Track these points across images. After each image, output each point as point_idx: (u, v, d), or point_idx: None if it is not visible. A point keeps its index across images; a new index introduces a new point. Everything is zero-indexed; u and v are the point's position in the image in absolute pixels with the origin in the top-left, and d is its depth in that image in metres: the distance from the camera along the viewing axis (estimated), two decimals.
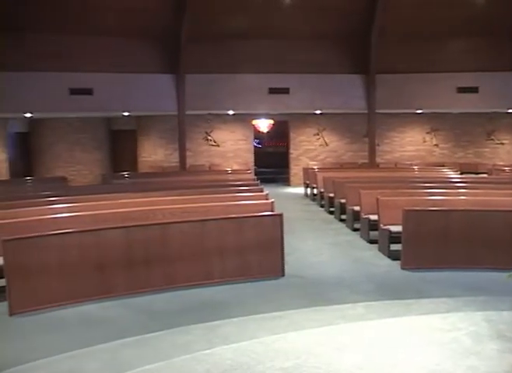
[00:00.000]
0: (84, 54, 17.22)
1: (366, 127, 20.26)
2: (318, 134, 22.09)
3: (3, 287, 7.08)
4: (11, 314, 6.86)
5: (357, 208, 11.37)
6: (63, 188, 15.04)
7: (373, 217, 10.28)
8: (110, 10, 16.89)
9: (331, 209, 14.14)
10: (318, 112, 20.51)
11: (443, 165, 20.63)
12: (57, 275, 7.12)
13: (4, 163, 20.13)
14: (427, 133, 22.31)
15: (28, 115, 18.44)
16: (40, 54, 16.77)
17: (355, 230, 11.72)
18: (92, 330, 6.30)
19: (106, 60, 17.47)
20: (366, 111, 19.62)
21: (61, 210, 9.56)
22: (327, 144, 22.15)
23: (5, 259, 6.90)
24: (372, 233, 10.53)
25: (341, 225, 12.63)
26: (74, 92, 17.34)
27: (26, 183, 17.37)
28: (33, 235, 7.23)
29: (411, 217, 8.60)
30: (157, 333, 6.02)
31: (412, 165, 20.92)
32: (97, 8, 16.80)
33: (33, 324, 6.60)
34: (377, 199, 9.88)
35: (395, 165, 21.52)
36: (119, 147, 22.38)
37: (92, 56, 17.33)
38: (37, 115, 18.81)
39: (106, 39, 17.38)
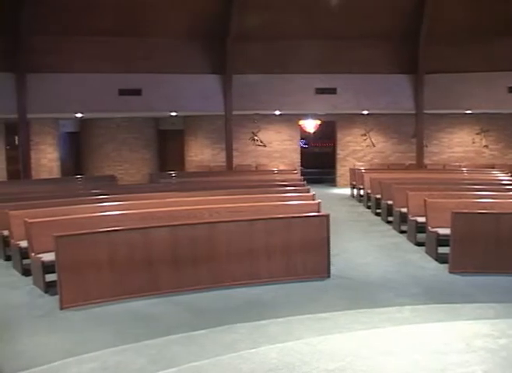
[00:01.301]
0: (133, 55, 17.48)
1: (414, 128, 19.98)
2: (365, 135, 21.88)
3: (55, 281, 7.28)
4: (62, 308, 7.05)
5: (404, 210, 11.23)
6: (112, 187, 15.34)
7: (421, 219, 10.14)
8: (159, 12, 17.12)
9: (378, 210, 14.00)
10: (365, 112, 20.33)
11: (493, 167, 20.16)
12: (106, 271, 7.28)
13: (55, 162, 20.66)
14: (477, 134, 21.83)
15: (79, 115, 18.86)
16: (91, 56, 17.12)
17: (402, 232, 11.57)
18: (140, 326, 6.41)
19: (154, 61, 17.69)
20: (413, 111, 19.33)
21: (110, 209, 9.76)
22: (374, 145, 21.92)
23: (56, 255, 7.09)
24: (419, 235, 10.37)
25: (388, 227, 12.50)
26: (123, 92, 17.61)
27: (76, 182, 17.76)
28: (83, 232, 7.41)
29: (460, 219, 8.45)
30: (203, 331, 6.08)
31: (460, 166, 20.53)
32: (146, 10, 17.05)
33: (82, 318, 6.77)
34: (425, 201, 9.75)
35: (443, 166, 21.13)
36: (166, 146, 22.65)
37: (141, 57, 17.57)
38: (87, 115, 19.20)
39: (155, 40, 17.60)
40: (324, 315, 6.55)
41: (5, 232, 9.69)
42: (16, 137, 18.77)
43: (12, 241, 9.16)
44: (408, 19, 18.25)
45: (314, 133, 23.10)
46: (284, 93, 18.64)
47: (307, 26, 18.02)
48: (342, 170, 21.68)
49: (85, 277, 7.17)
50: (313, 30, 18.10)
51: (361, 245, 10.78)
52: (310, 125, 21.94)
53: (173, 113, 19.32)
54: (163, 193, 11.84)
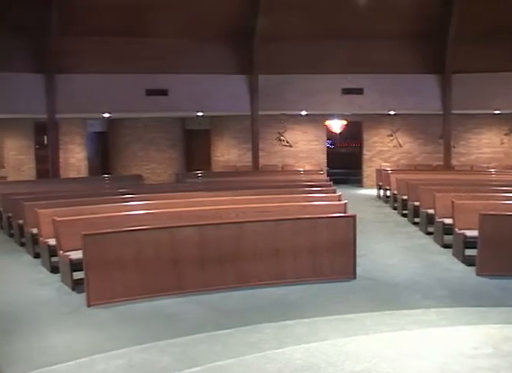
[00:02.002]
0: (160, 55, 17.59)
1: (441, 129, 19.78)
2: (392, 135, 21.72)
3: (82, 279, 7.37)
4: (89, 305, 7.14)
5: (431, 211, 11.13)
6: (139, 186, 15.48)
7: (448, 220, 10.03)
8: (186, 12, 17.21)
9: (404, 211, 13.88)
10: (392, 112, 20.19)
11: None
12: (132, 270, 7.35)
13: (83, 161, 20.90)
14: (505, 134, 21.51)
15: (106, 115, 19.05)
16: (119, 57, 17.28)
17: (428, 233, 11.46)
18: (165, 325, 6.46)
19: (181, 61, 17.78)
20: (441, 112, 19.14)
21: (137, 208, 9.85)
22: (400, 146, 21.74)
23: (84, 253, 7.18)
24: (446, 237, 10.27)
25: (415, 228, 12.39)
26: (150, 92, 17.73)
27: (103, 181, 17.96)
28: (110, 230, 7.50)
29: (488, 221, 8.34)
30: (228, 331, 6.10)
31: (488, 167, 20.25)
32: (173, 10, 17.13)
33: (108, 316, 6.84)
34: (452, 202, 9.65)
35: (471, 167, 20.86)
36: (193, 146, 22.73)
37: (168, 57, 17.67)
38: (115, 115, 19.38)
39: (181, 41, 17.69)
40: (349, 316, 6.52)
41: (34, 230, 9.84)
42: (45, 137, 19.03)
43: (41, 239, 9.31)
44: (435, 19, 18.08)
45: (341, 133, 22.99)
46: (310, 93, 18.59)
47: (334, 26, 17.93)
48: (369, 171, 21.55)
49: (111, 275, 7.25)
50: (340, 30, 18.01)
51: (387, 246, 10.71)
52: (337, 125, 21.84)
53: (200, 113, 19.40)
54: (189, 193, 11.90)
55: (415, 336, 5.86)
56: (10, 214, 12.04)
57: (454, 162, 20.42)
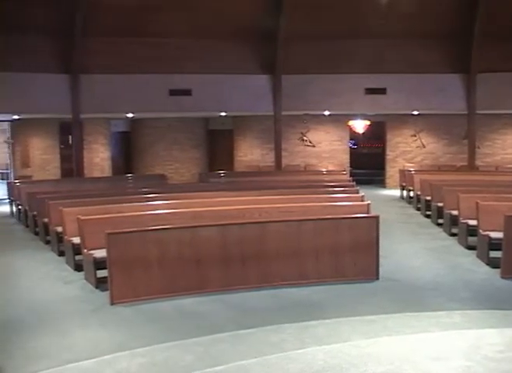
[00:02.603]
0: (183, 55, 17.66)
1: (466, 129, 19.58)
2: (415, 136, 21.55)
3: (106, 277, 7.43)
4: (112, 303, 7.20)
5: (455, 212, 11.03)
6: (162, 185, 15.58)
7: (472, 222, 9.93)
8: (210, 13, 17.25)
9: (428, 212, 13.77)
10: (416, 113, 20.03)
11: None
12: (155, 268, 7.39)
13: (107, 161, 21.08)
14: None
15: (130, 115, 19.19)
16: (142, 57, 17.37)
17: (452, 235, 11.35)
18: (187, 323, 6.49)
19: (204, 61, 17.83)
20: (465, 112, 18.94)
21: (160, 207, 9.91)
22: (424, 146, 21.57)
23: (108, 252, 7.24)
24: (470, 239, 10.16)
25: (438, 230, 12.28)
26: (173, 93, 17.81)
27: (127, 180, 18.12)
28: (133, 229, 7.55)
29: None
30: (250, 330, 6.11)
31: None
32: (197, 11, 17.19)
33: (131, 314, 6.90)
34: (477, 203, 9.55)
35: (496, 168, 20.61)
36: (216, 146, 22.80)
37: (192, 57, 17.73)
38: (138, 115, 19.51)
39: (205, 41, 17.74)
40: (372, 317, 6.49)
41: (59, 229, 9.95)
42: (70, 137, 19.23)
43: (66, 237, 9.41)
44: (460, 18, 17.90)
45: (364, 133, 22.91)
46: (333, 93, 18.53)
47: (358, 26, 17.87)
48: (392, 171, 21.42)
49: (135, 273, 7.30)
50: (364, 30, 17.94)
51: (410, 247, 10.64)
52: (360, 125, 21.76)
53: (223, 113, 19.45)
54: (212, 193, 11.94)
55: (439, 338, 5.81)
56: (35, 213, 12.19)
57: (478, 162, 20.19)
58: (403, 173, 18.08)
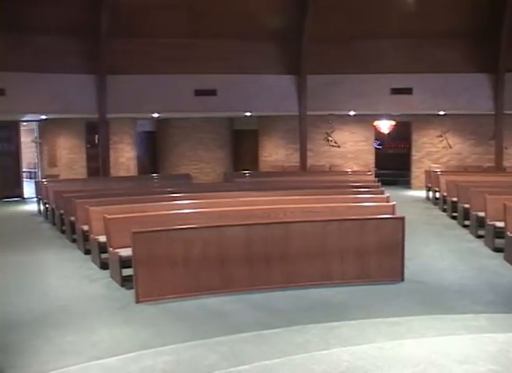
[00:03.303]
0: (209, 56, 17.73)
1: (493, 129, 19.35)
2: (441, 136, 21.37)
3: (131, 276, 7.50)
4: (137, 301, 7.26)
5: (482, 214, 10.90)
6: (187, 185, 15.66)
7: (500, 223, 9.81)
8: (235, 13, 17.29)
9: (454, 214, 13.64)
10: (442, 113, 19.85)
11: None
12: (180, 267, 7.43)
13: (133, 160, 21.25)
14: None
15: (155, 115, 19.31)
16: (168, 57, 17.48)
17: (479, 237, 11.22)
18: (212, 323, 6.51)
19: (230, 61, 17.87)
20: (492, 112, 18.73)
21: (186, 206, 9.96)
22: (450, 147, 21.37)
23: (133, 250, 7.30)
24: (497, 241, 10.04)
25: (465, 231, 12.15)
26: (199, 93, 17.88)
27: (152, 179, 18.27)
28: (159, 228, 7.59)
29: None
30: (275, 330, 6.10)
31: None
32: (222, 12, 17.25)
33: (156, 312, 6.94)
34: (505, 205, 9.42)
35: None
36: (241, 146, 22.86)
37: (217, 58, 17.79)
38: (164, 115, 19.63)
39: (230, 41, 17.79)
40: (397, 319, 6.44)
41: (85, 227, 10.06)
42: (96, 136, 19.43)
43: (92, 236, 9.51)
44: (487, 16, 17.72)
45: (389, 134, 22.76)
46: (359, 93, 18.45)
47: (383, 26, 17.77)
48: (417, 172, 21.27)
49: (160, 272, 7.35)
50: (389, 29, 17.83)
51: (436, 249, 10.54)
52: (385, 126, 21.63)
53: (248, 114, 19.48)
54: (237, 192, 11.96)
55: (465, 341, 5.73)
56: (62, 211, 12.34)
57: (506, 163, 19.92)
58: (429, 174, 17.93)
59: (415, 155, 21.63)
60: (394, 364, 5.11)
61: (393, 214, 9.34)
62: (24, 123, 20.82)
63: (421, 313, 6.68)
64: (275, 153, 21.85)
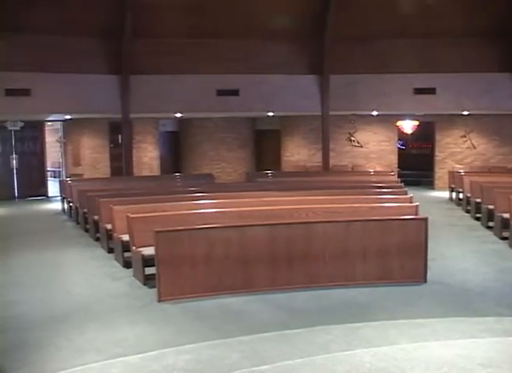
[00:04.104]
0: (231, 56, 17.76)
1: None
2: (465, 136, 21.17)
3: (153, 274, 7.54)
4: (159, 300, 7.30)
5: (506, 215, 10.79)
6: (209, 185, 15.69)
7: None
8: (257, 13, 17.28)
9: (478, 215, 13.50)
10: (466, 113, 19.66)
11: None
12: (202, 267, 7.46)
13: (155, 160, 21.38)
14: None
15: (178, 115, 19.40)
16: (191, 58, 17.54)
17: (503, 238, 11.09)
18: (233, 322, 6.52)
19: (252, 61, 17.89)
20: None
21: (208, 206, 9.99)
22: (474, 147, 21.15)
23: (156, 249, 7.34)
24: None
25: (488, 233, 12.03)
26: (221, 93, 17.93)
27: (175, 179, 18.37)
28: (181, 228, 7.63)
29: None
30: (296, 330, 6.09)
31: None
32: (244, 12, 17.24)
33: (178, 311, 6.97)
34: None
35: None
36: (263, 146, 22.87)
37: (239, 58, 17.81)
38: (186, 115, 19.71)
39: (252, 41, 17.81)
40: (420, 321, 6.39)
41: (109, 226, 10.14)
42: (120, 136, 19.58)
43: (115, 234, 9.58)
44: (508, 15, 17.47)
45: (412, 134, 22.58)
46: (382, 93, 18.36)
47: (406, 25, 17.63)
48: (441, 172, 21.09)
49: (182, 271, 7.38)
50: (412, 29, 17.70)
51: (459, 250, 10.44)
52: (408, 126, 21.48)
53: (270, 114, 19.47)
54: (259, 192, 11.96)
55: (489, 344, 5.66)
56: (86, 210, 12.46)
57: None
58: (452, 175, 17.77)
59: (439, 155, 21.46)
60: (416, 366, 5.07)
61: (416, 214, 9.27)
62: (49, 123, 21.07)
63: (444, 315, 6.62)
64: (297, 153, 21.83)
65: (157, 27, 17.04)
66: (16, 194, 19.62)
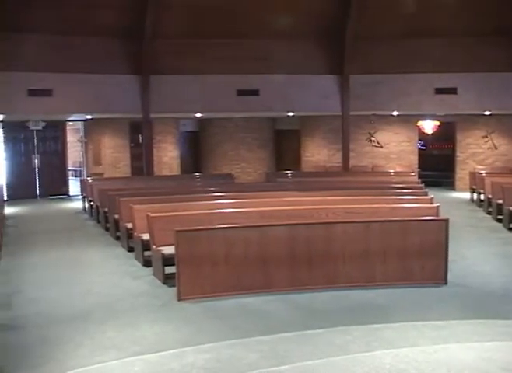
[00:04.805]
0: (251, 56, 17.76)
1: None
2: (487, 137, 20.95)
3: (173, 273, 7.58)
4: (179, 299, 7.34)
5: None
6: (229, 184, 15.73)
7: None
8: (277, 13, 17.24)
9: (499, 217, 13.35)
10: (487, 113, 19.46)
11: None
12: (222, 266, 7.48)
13: (176, 160, 21.46)
14: None
15: (198, 115, 19.46)
16: (210, 58, 17.57)
17: None
18: (253, 322, 6.53)
19: (272, 61, 17.88)
20: None
21: (228, 206, 10.01)
22: (496, 148, 20.93)
23: (176, 249, 7.38)
24: None
25: (510, 235, 11.91)
26: (241, 93, 17.94)
27: (195, 179, 18.45)
28: (201, 227, 7.66)
29: None
30: (316, 331, 6.09)
31: None
32: (264, 11, 17.22)
33: (198, 310, 7.00)
34: None
35: None
36: (283, 146, 22.85)
37: (259, 58, 17.81)
38: (206, 115, 19.76)
39: (272, 41, 17.80)
40: (440, 323, 6.34)
41: (129, 225, 10.20)
42: (140, 136, 19.69)
43: (135, 233, 9.64)
44: None
45: (433, 134, 22.44)
46: (402, 93, 18.26)
47: (426, 24, 17.52)
48: (462, 173, 20.90)
49: (202, 271, 7.41)
50: (433, 28, 17.57)
51: (480, 252, 10.34)
52: (429, 126, 21.34)
53: (290, 114, 19.45)
54: (279, 192, 11.97)
55: (510, 348, 5.61)
56: (106, 209, 12.55)
57: None
58: (473, 175, 17.60)
59: (460, 155, 21.27)
60: (437, 368, 5.03)
61: (436, 215, 9.20)
62: (70, 123, 21.24)
63: (464, 317, 6.56)
64: (317, 153, 21.78)
65: (177, 27, 17.11)
66: (38, 193, 19.86)
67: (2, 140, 19.99)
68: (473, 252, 10.33)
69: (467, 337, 5.89)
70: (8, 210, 16.24)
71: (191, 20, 17.07)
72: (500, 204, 13.28)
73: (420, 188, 13.90)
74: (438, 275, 8.00)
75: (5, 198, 17.55)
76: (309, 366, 5.12)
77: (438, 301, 7.30)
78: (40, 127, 19.64)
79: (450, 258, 8.17)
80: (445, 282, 8.01)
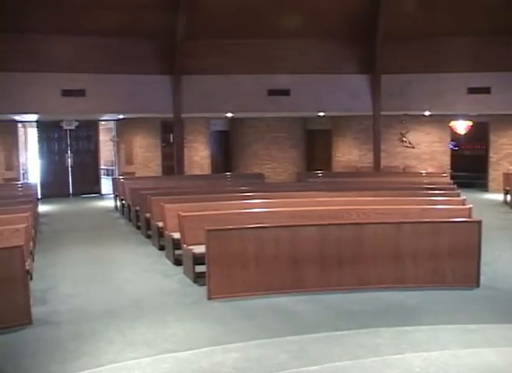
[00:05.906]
0: (281, 56, 17.75)
1: None
2: None
3: (203, 272, 7.63)
4: (209, 298, 7.38)
5: None
6: (260, 184, 15.75)
7: None
8: (308, 12, 17.22)
9: None
10: None
11: None
12: (252, 266, 7.50)
13: (206, 159, 21.58)
14: None
15: (229, 115, 19.53)
16: (242, 58, 17.64)
17: None
18: (282, 322, 6.53)
19: (302, 61, 17.86)
20: None
21: (258, 205, 10.03)
22: None
23: (206, 248, 7.42)
24: None
25: None
26: (272, 93, 17.96)
27: (225, 178, 18.52)
28: (232, 227, 7.69)
29: None
30: (345, 332, 6.07)
31: None
32: (294, 11, 17.17)
33: (227, 310, 7.03)
34: None
35: None
36: (313, 146, 22.78)
37: (290, 58, 17.81)
38: (237, 115, 19.82)
39: (303, 41, 17.77)
40: (471, 326, 6.26)
41: (160, 224, 10.29)
42: (171, 136, 19.84)
43: (166, 232, 9.71)
44: None
45: (465, 134, 22.14)
46: (434, 93, 18.08)
47: (459, 23, 17.30)
48: (495, 174, 20.58)
49: (232, 270, 7.43)
50: (466, 26, 17.33)
51: None
52: (461, 126, 21.07)
53: (321, 114, 19.40)
54: (310, 192, 11.94)
55: None
56: (138, 208, 12.68)
57: None
58: (507, 177, 17.33)
59: (493, 156, 20.95)
60: (467, 372, 4.98)
61: (469, 217, 9.09)
62: (103, 123, 21.52)
63: (497, 321, 6.46)
64: (348, 153, 21.68)
65: (209, 28, 17.18)
66: (71, 191, 20.19)
67: (37, 139, 20.35)
68: (506, 255, 10.16)
69: (499, 342, 5.81)
70: (42, 208, 16.50)
71: (222, 21, 17.13)
72: None
73: (452, 189, 13.74)
74: (470, 277, 7.90)
75: (39, 196, 17.84)
76: (338, 367, 5.11)
77: (470, 304, 7.20)
78: (73, 127, 19.97)
79: (482, 260, 8.05)
80: (477, 285, 7.90)
